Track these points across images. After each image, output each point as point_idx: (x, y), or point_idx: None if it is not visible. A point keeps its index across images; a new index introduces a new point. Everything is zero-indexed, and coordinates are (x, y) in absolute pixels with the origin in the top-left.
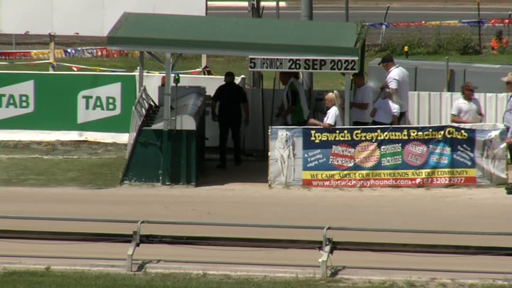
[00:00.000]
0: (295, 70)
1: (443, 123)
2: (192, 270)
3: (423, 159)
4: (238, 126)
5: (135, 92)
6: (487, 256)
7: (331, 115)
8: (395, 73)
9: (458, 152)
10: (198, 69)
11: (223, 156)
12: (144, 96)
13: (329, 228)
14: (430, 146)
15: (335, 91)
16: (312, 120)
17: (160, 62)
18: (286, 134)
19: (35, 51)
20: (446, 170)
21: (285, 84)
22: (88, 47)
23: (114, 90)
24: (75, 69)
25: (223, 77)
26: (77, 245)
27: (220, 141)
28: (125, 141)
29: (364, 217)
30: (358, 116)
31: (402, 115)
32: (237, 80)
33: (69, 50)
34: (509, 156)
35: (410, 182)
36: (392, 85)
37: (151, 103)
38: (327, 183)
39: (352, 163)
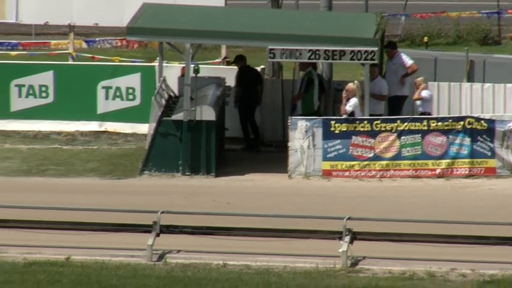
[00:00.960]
0: (314, 61)
1: (463, 114)
2: (212, 260)
3: (443, 150)
4: (254, 109)
5: (155, 83)
6: (507, 246)
7: (351, 104)
8: (406, 56)
9: (478, 143)
10: (217, 60)
11: (247, 137)
12: (163, 86)
13: (349, 218)
14: (450, 136)
15: (356, 81)
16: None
17: (179, 53)
18: (306, 125)
19: (54, 41)
20: (466, 160)
21: (303, 70)
22: (107, 38)
23: (133, 80)
24: (95, 59)
25: (236, 62)
26: (97, 235)
27: (242, 125)
28: (144, 132)
29: (384, 208)
30: (372, 108)
31: (405, 99)
32: (257, 70)
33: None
34: None
35: (430, 173)
36: (414, 65)
37: (171, 94)
38: (346, 173)
39: (372, 154)
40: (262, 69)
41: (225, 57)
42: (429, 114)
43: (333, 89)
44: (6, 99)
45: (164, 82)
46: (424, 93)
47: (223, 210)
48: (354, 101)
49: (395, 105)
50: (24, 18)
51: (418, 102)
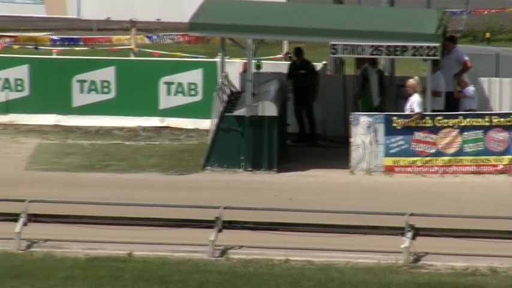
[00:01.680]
0: (376, 56)
1: None
2: (274, 256)
3: (505, 146)
4: (308, 103)
5: (217, 78)
6: None
7: (417, 103)
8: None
9: None
10: (279, 55)
11: (302, 130)
12: (225, 82)
13: (411, 214)
14: None
15: (416, 77)
16: (400, 115)
17: (241, 48)
18: (368, 120)
19: (116, 37)
20: None
21: (359, 68)
22: (169, 33)
23: (195, 76)
24: (156, 55)
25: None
26: (159, 231)
27: (297, 117)
28: (206, 127)
29: (446, 203)
30: (431, 104)
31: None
32: (318, 66)
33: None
34: None
35: (492, 169)
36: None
37: (233, 89)
38: (408, 169)
39: (434, 149)
40: (324, 64)
41: (287, 53)
42: (474, 111)
43: (395, 85)
44: (68, 94)
45: (226, 78)
46: (468, 91)
47: (285, 206)
48: (417, 97)
49: (451, 101)
50: (86, 14)
51: (463, 99)
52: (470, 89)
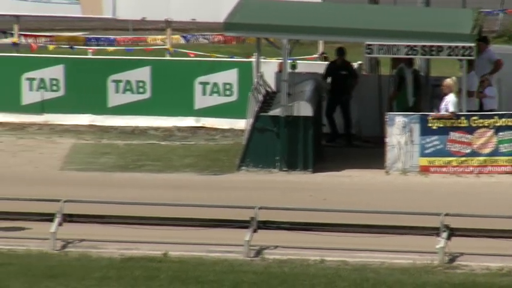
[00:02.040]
0: (412, 56)
1: None
2: (309, 256)
3: None
4: (344, 103)
5: (252, 78)
6: None
7: (452, 103)
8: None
9: None
10: (314, 56)
11: (333, 129)
12: (261, 82)
13: (447, 214)
14: None
15: (453, 77)
16: (434, 114)
17: (277, 49)
18: (404, 121)
19: (151, 37)
20: None
21: (394, 68)
22: (205, 33)
23: (231, 76)
24: (192, 55)
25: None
26: (194, 231)
27: (328, 117)
28: (241, 127)
29: (481, 204)
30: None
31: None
32: (354, 65)
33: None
34: None
35: None
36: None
37: (268, 89)
38: (444, 169)
39: (470, 149)
40: (360, 64)
41: (322, 53)
42: (494, 111)
43: (430, 85)
44: (103, 94)
45: (262, 78)
46: (488, 91)
47: (320, 206)
48: (452, 97)
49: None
50: (122, 14)
51: (484, 99)
52: (492, 88)
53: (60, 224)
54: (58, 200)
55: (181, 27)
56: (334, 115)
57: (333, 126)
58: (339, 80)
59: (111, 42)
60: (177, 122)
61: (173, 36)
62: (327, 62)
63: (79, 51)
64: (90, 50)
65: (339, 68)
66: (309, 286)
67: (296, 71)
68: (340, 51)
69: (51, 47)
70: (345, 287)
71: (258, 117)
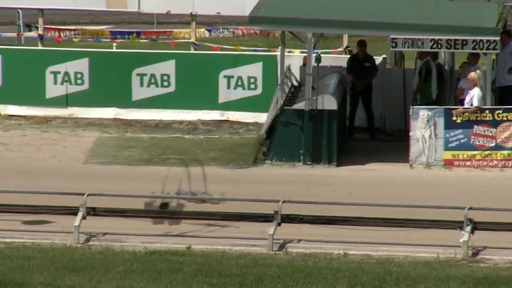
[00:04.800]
0: (436, 50)
1: None
2: (333, 250)
3: None
4: (365, 97)
5: (276, 72)
6: None
7: (477, 97)
8: None
9: None
10: (339, 49)
11: (351, 124)
12: (288, 75)
13: (470, 208)
14: None
15: (477, 71)
16: (458, 110)
17: (301, 42)
18: (428, 114)
19: (176, 30)
20: None
21: (421, 60)
22: (229, 27)
23: (255, 70)
24: (215, 49)
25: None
26: (217, 224)
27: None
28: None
29: (505, 197)
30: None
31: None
32: (378, 59)
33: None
34: None
35: None
36: None
37: (294, 83)
38: (468, 163)
39: (494, 143)
40: (384, 58)
41: (347, 47)
42: None
43: (455, 79)
44: (128, 88)
45: (289, 70)
46: (476, 92)
47: (344, 200)
48: (477, 91)
49: (506, 94)
50: (147, 8)
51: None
52: None
53: (83, 218)
54: (82, 194)
55: (206, 21)
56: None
57: (352, 120)
58: (361, 72)
59: (136, 36)
60: (201, 116)
61: (197, 29)
62: (348, 56)
63: (103, 44)
64: (115, 44)
65: (361, 61)
66: (333, 280)
67: (320, 64)
68: (362, 44)
69: (75, 40)
70: (368, 280)
71: (283, 111)
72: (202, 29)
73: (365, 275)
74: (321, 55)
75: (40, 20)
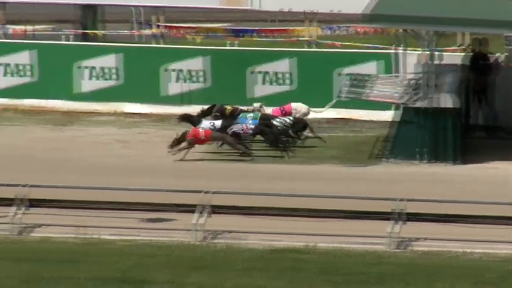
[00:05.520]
0: None
1: None
2: (455, 248)
3: None
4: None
5: (393, 70)
6: None
7: None
8: None
9: None
10: (457, 47)
11: (467, 122)
12: (406, 73)
13: None
14: None
15: None
16: None
17: (419, 40)
18: None
19: (296, 28)
20: None
21: None
22: (345, 25)
23: (371, 67)
24: (336, 45)
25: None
26: (339, 223)
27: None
28: (386, 119)
29: None
30: None
31: None
32: (492, 57)
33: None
34: None
35: None
36: None
37: (413, 81)
38: None
39: None
40: (506, 56)
41: (468, 45)
42: None
43: None
44: (242, 86)
45: (406, 69)
46: None
47: (467, 198)
48: None
49: None
50: (267, 6)
51: None
52: None
53: (204, 215)
54: (200, 191)
55: (323, 19)
56: (474, 106)
57: (468, 118)
58: (484, 70)
59: (252, 34)
60: (322, 113)
61: (315, 27)
62: (467, 54)
63: (219, 42)
64: (235, 41)
65: (482, 59)
66: (456, 278)
67: (439, 62)
68: (483, 42)
69: (198, 38)
70: (492, 278)
71: (403, 110)
72: (318, 27)
73: (490, 273)
74: (440, 53)
75: (156, 18)
